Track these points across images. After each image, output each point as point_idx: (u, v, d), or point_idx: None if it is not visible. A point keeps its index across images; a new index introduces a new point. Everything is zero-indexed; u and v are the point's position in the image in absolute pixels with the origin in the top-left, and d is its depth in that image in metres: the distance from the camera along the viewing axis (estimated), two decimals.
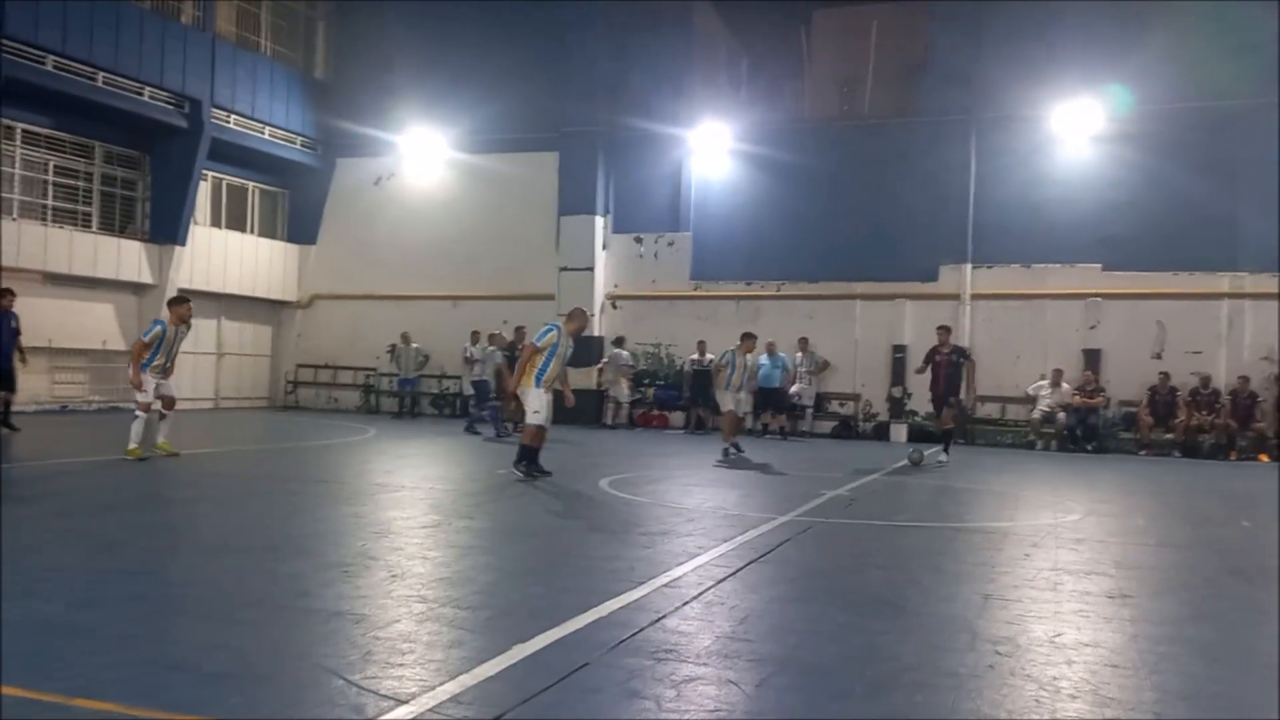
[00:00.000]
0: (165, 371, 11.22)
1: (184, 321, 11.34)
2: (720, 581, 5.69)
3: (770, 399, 19.16)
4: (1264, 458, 16.96)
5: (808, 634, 4.68)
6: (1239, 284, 18.18)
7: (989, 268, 19.68)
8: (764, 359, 18.83)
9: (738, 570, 6.05)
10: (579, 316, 10.88)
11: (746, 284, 21.35)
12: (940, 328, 14.80)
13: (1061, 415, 18.38)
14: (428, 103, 23.25)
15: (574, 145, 22.08)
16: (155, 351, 11.03)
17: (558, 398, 10.60)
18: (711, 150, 21.55)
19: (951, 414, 14.44)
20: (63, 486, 9.27)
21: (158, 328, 11.13)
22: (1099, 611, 5.25)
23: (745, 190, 21.48)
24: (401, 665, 3.88)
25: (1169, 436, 17.91)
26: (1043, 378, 18.74)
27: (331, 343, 24.55)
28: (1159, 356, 18.40)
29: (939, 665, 4.22)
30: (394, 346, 22.64)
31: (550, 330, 10.36)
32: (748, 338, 14.32)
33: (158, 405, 11.31)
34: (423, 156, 23.68)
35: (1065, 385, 18.54)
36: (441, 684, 3.65)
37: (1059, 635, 4.70)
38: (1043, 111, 19.18)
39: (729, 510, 8.87)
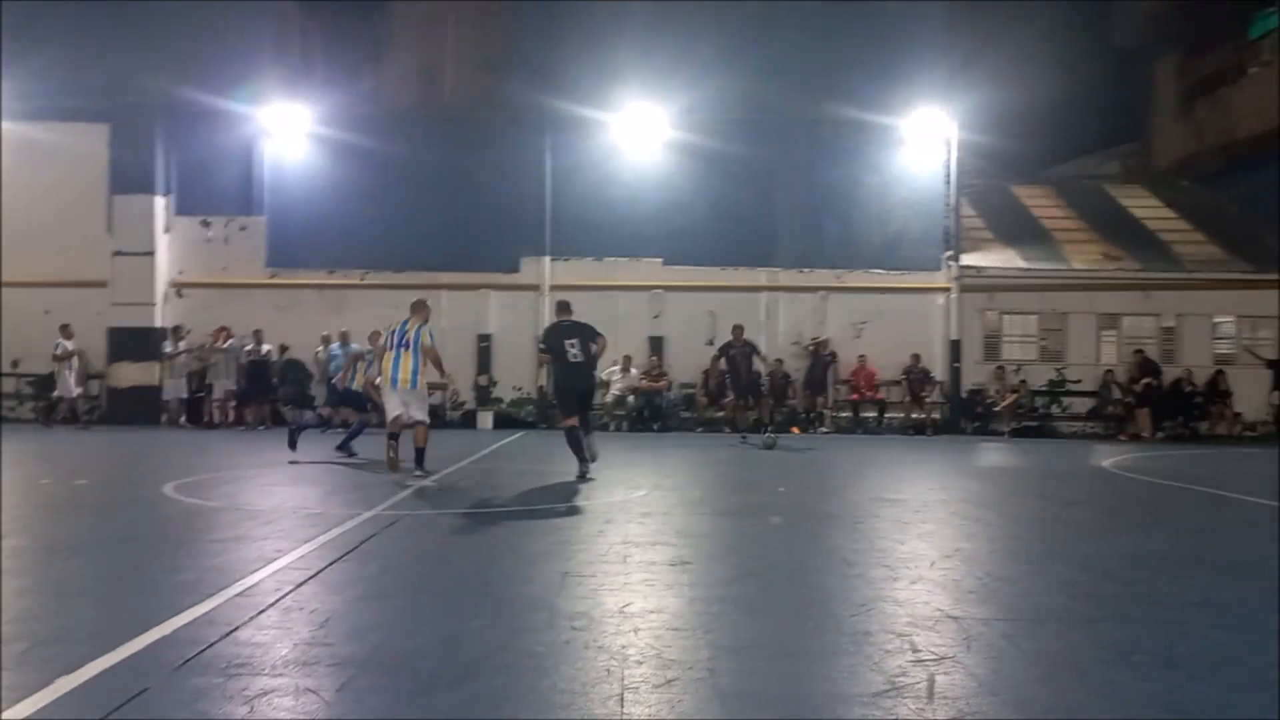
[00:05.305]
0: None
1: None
2: (299, 585, 5.47)
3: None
4: (796, 430, 19.50)
5: (391, 630, 4.65)
6: (775, 278, 20.78)
7: (566, 260, 20.68)
8: (336, 349, 18.33)
9: (319, 571, 5.85)
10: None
11: (329, 272, 20.61)
12: (736, 326, 17.07)
13: (631, 398, 19.87)
14: None
15: (128, 117, 19.93)
16: None
17: None
18: (288, 132, 20.52)
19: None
20: None
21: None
22: (662, 579, 5.74)
23: (325, 175, 20.70)
24: None
25: (719, 415, 20.01)
26: (615, 364, 20.07)
27: None
28: (711, 343, 20.43)
29: (520, 646, 4.39)
30: None
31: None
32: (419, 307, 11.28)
33: None
34: None
35: (634, 370, 20.06)
36: None
37: (628, 605, 5.08)
38: (614, 113, 20.48)
39: (311, 509, 8.54)
